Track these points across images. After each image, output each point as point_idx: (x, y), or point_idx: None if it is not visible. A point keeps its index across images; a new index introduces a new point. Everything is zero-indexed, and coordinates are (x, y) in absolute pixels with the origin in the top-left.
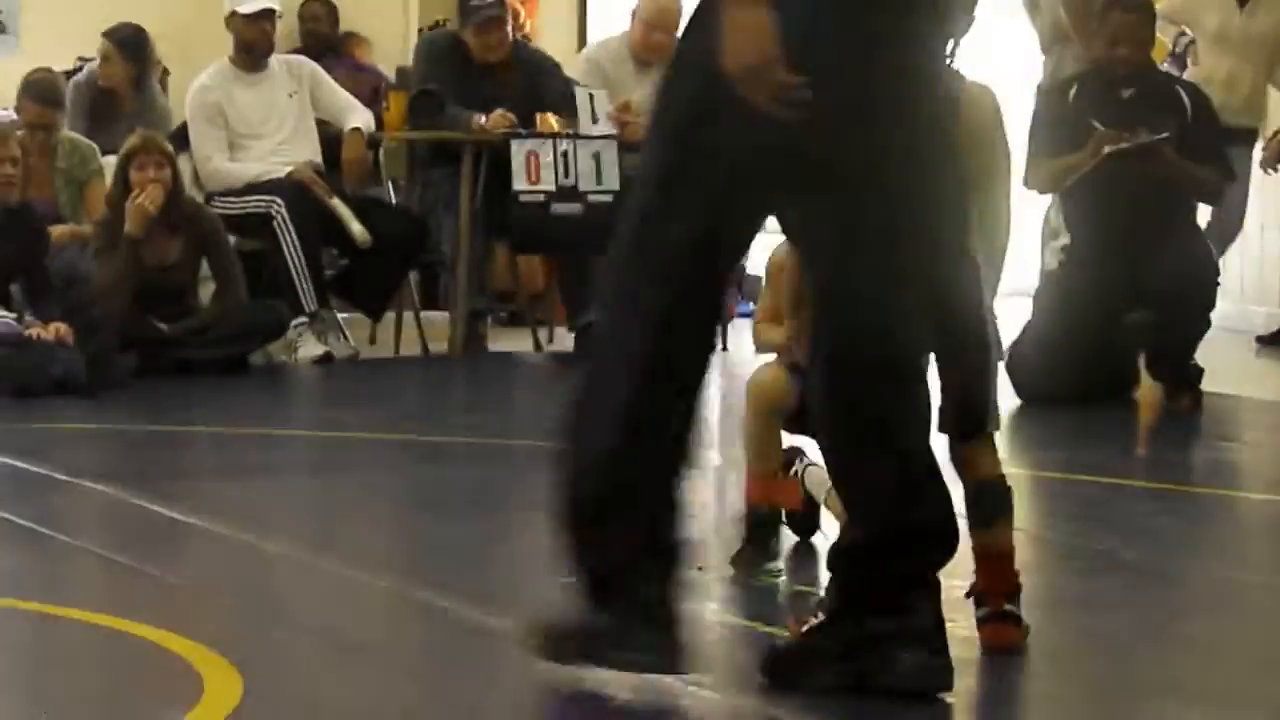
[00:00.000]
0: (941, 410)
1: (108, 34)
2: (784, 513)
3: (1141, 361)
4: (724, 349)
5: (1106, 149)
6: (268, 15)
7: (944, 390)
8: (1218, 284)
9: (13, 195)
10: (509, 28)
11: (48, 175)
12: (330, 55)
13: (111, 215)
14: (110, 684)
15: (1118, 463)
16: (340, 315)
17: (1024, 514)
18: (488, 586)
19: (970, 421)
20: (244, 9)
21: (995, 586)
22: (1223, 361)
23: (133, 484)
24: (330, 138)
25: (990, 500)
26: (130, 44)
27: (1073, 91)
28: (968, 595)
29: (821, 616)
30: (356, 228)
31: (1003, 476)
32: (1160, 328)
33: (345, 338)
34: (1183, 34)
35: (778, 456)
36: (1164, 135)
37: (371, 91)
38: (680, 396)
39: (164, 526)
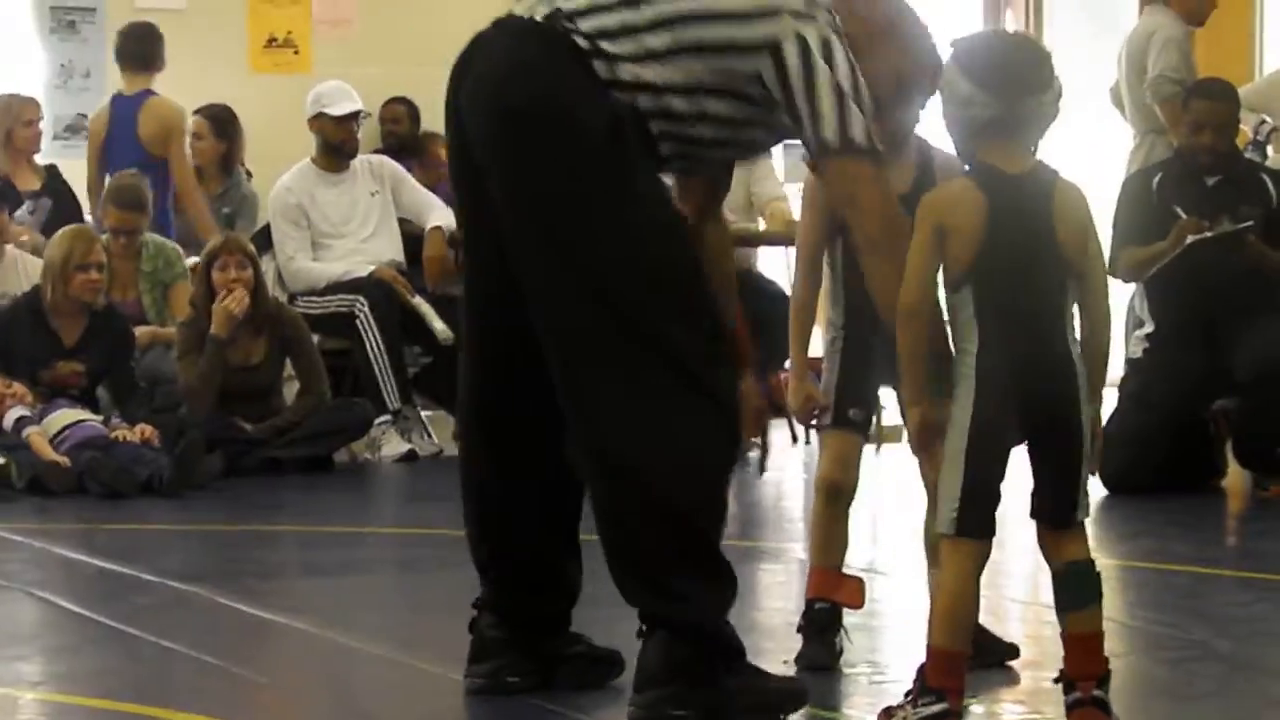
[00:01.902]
0: (1033, 498)
1: (199, 110)
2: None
3: (1229, 449)
4: (807, 442)
5: (1190, 238)
6: (355, 116)
7: (1036, 479)
8: None
9: (99, 299)
10: None
11: (133, 278)
12: (411, 155)
13: (195, 316)
14: None
15: (1208, 552)
16: (424, 413)
17: (1113, 604)
18: None
19: (1062, 511)
20: (334, 110)
21: (1085, 672)
22: None
23: (220, 583)
24: (411, 236)
25: (1078, 583)
26: (221, 120)
27: (1156, 179)
28: (1056, 680)
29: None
30: (439, 325)
31: (1091, 560)
32: (1247, 414)
33: (429, 435)
34: (1264, 121)
35: (841, 551)
36: (1248, 223)
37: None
38: None
39: (252, 625)
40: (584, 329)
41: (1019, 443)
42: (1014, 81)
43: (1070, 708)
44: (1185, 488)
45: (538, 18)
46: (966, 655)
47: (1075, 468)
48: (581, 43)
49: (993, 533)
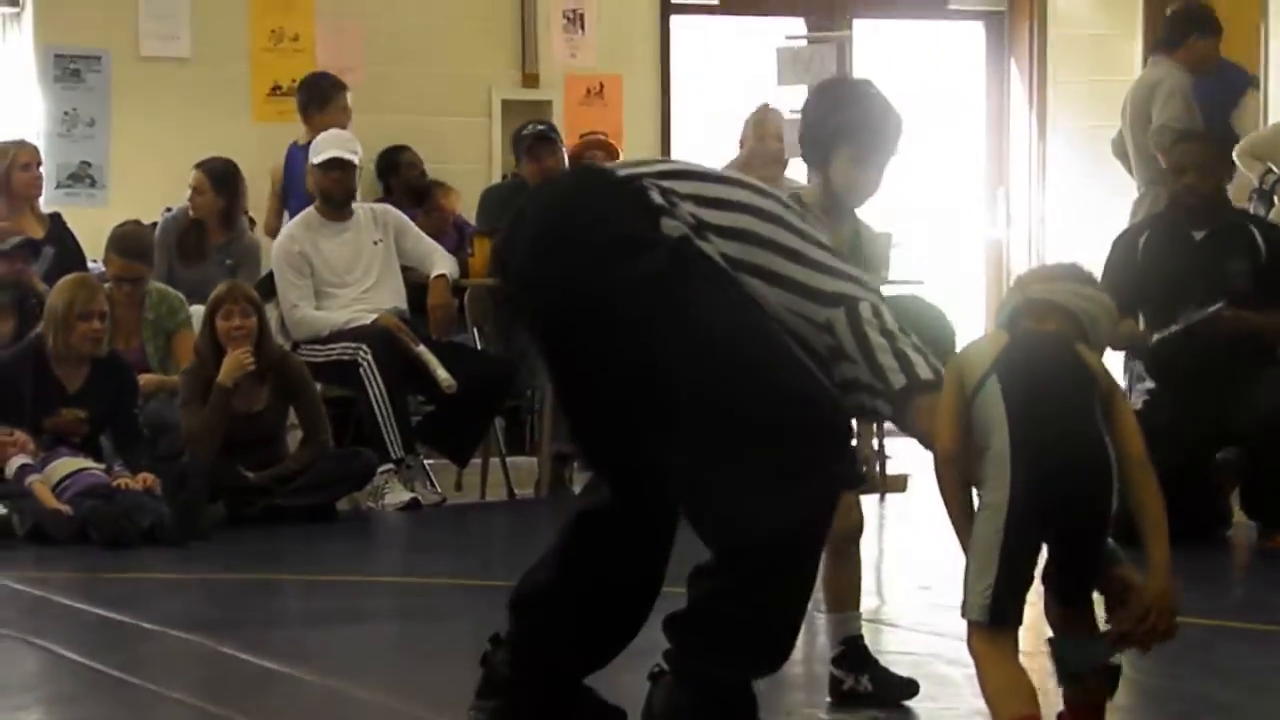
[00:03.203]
0: (1048, 565)
1: (200, 165)
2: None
3: (1235, 500)
4: None
5: (1155, 338)
6: (337, 164)
7: (1052, 554)
8: None
9: (101, 348)
10: (560, 148)
11: (136, 326)
12: (416, 204)
13: (199, 364)
14: None
15: (1213, 604)
16: (426, 461)
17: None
18: None
19: (1076, 588)
20: (315, 159)
21: None
22: None
23: (221, 633)
24: (415, 284)
25: (1111, 680)
26: (221, 175)
27: (1144, 238)
28: None
29: None
30: (442, 374)
31: (1104, 635)
32: (1252, 464)
33: (432, 484)
34: (1269, 171)
35: (855, 597)
36: (1217, 307)
37: (457, 239)
38: None
39: (253, 675)
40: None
41: (1050, 534)
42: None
43: None
44: (1190, 539)
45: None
46: (1039, 717)
47: (1097, 550)
48: (656, 198)
49: (1023, 618)
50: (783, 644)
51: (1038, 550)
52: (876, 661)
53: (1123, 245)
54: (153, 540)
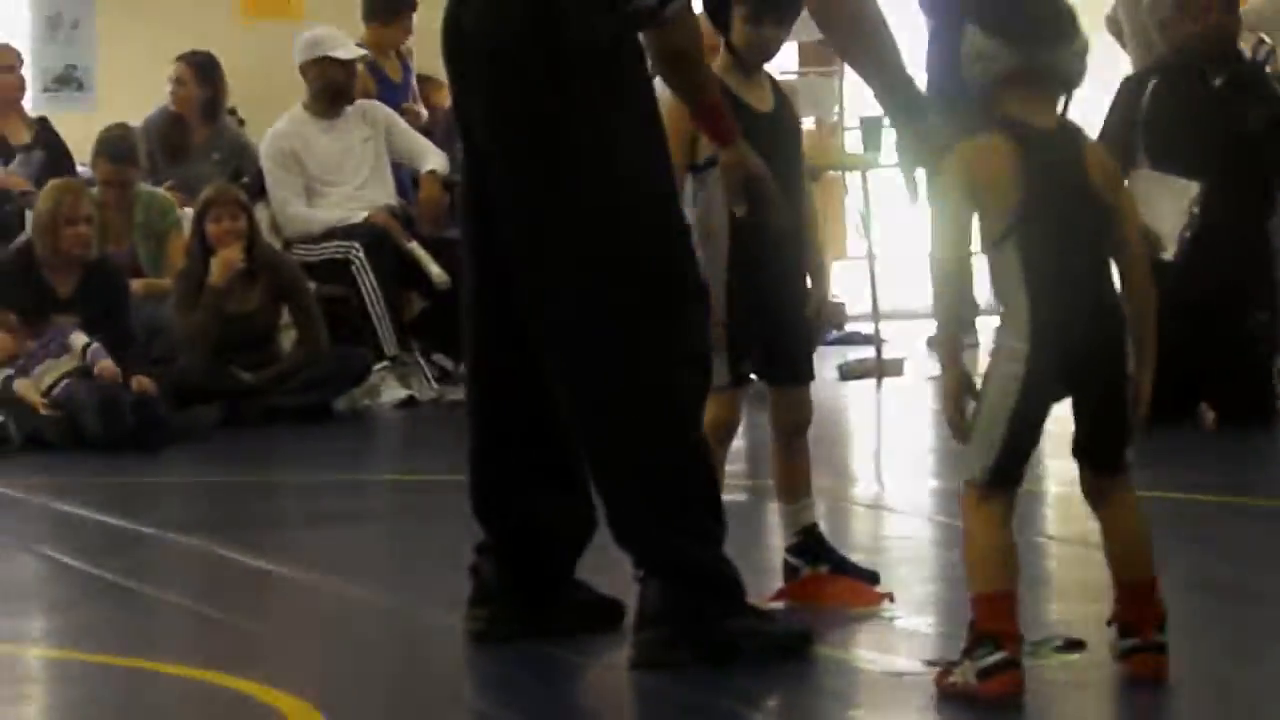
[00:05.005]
0: (1076, 440)
1: (181, 57)
2: None
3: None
4: None
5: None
6: (356, 62)
7: (1079, 422)
8: None
9: (89, 252)
10: None
11: (126, 229)
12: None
13: (190, 267)
14: None
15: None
16: (421, 359)
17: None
18: None
19: (1107, 455)
20: (339, 54)
21: (1142, 616)
22: None
23: (219, 535)
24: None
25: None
26: (203, 67)
27: (1151, 84)
28: (1110, 623)
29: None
30: (435, 270)
31: (1144, 519)
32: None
33: (428, 380)
34: (1261, 41)
35: (805, 485)
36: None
37: (446, 134)
38: None
39: (251, 577)
40: (565, 287)
41: (1063, 397)
42: (1032, 31)
43: (1128, 652)
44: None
45: None
46: (1014, 596)
47: (1121, 413)
48: None
49: (1022, 482)
50: (689, 474)
51: (1046, 415)
52: (834, 549)
53: (1125, 92)
54: (146, 442)
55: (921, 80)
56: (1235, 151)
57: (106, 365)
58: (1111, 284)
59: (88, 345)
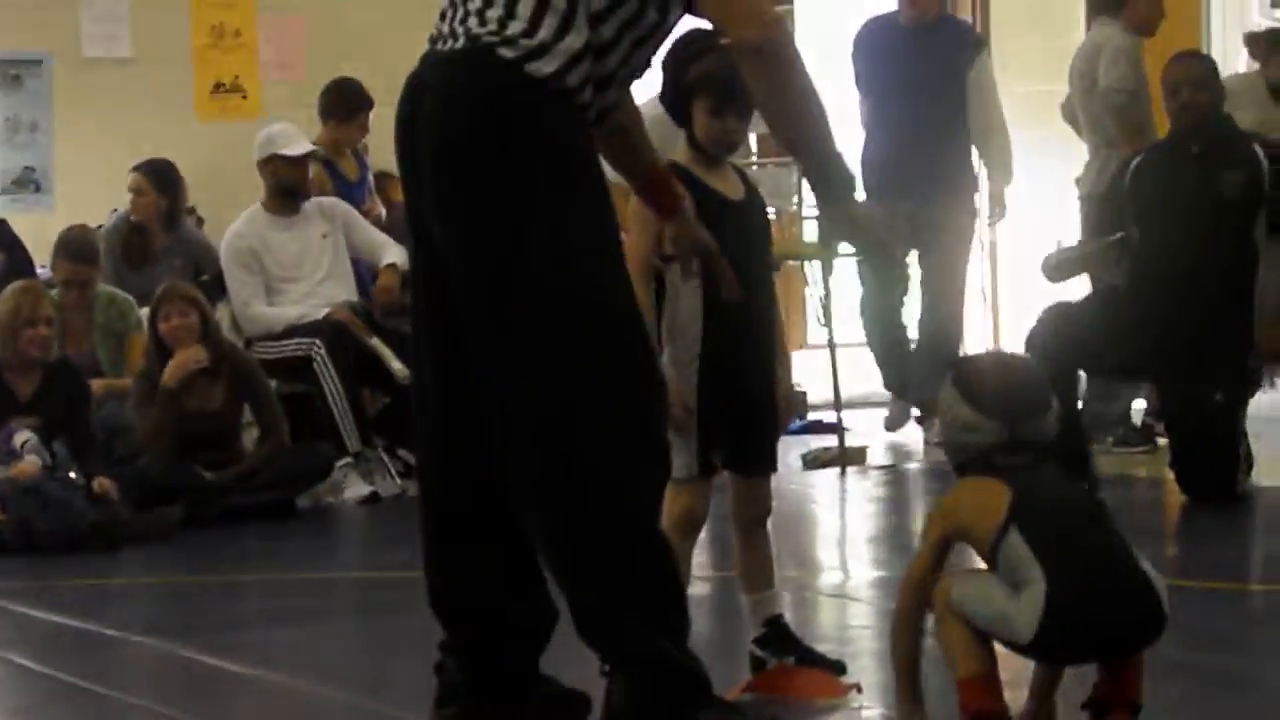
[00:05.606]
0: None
1: (137, 167)
2: None
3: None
4: None
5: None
6: (308, 157)
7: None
8: None
9: (50, 354)
10: None
11: (86, 330)
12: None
13: (149, 367)
14: None
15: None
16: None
17: None
18: None
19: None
20: (288, 151)
21: (1122, 698)
22: None
23: (183, 637)
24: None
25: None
26: (160, 175)
27: (1133, 165)
28: (1084, 707)
29: None
30: (396, 365)
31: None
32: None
33: (391, 475)
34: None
35: (768, 576)
36: None
37: (405, 231)
38: None
39: (216, 678)
40: (521, 381)
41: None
42: (1017, 409)
43: None
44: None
45: (458, 46)
46: (997, 676)
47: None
48: (505, 52)
49: None
50: (650, 567)
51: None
52: (800, 641)
53: (1111, 174)
54: (105, 543)
55: (850, 157)
56: (1215, 214)
57: (24, 467)
58: (1132, 552)
59: (26, 442)
